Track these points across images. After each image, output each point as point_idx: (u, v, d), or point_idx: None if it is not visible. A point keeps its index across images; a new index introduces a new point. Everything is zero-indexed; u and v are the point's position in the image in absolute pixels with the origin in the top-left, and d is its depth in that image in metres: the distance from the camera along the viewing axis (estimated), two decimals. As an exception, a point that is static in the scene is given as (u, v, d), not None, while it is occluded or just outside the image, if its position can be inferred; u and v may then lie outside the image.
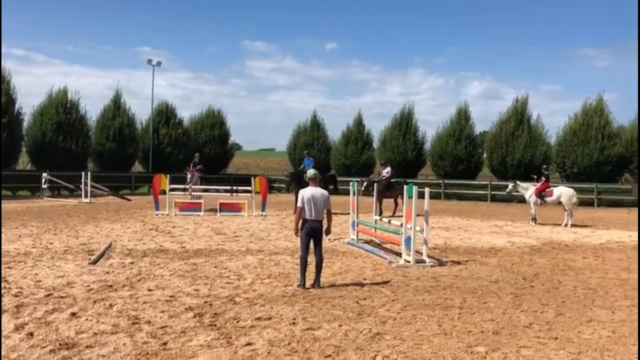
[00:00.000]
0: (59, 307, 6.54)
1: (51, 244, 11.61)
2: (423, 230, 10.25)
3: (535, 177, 20.87)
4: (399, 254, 10.62)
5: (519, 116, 34.77)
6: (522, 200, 22.80)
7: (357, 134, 39.66)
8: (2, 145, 28.03)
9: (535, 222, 18.63)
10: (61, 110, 31.51)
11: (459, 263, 10.54)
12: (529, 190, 19.39)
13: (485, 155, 37.21)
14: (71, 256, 10.14)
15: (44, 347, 5.08)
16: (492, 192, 32.37)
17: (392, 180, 21.47)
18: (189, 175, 21.92)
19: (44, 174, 26.15)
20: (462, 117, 36.90)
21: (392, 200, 21.01)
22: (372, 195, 15.30)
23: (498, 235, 15.31)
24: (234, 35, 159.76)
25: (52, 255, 10.20)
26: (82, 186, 24.87)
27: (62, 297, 7.05)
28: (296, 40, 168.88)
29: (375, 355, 5.13)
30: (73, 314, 6.21)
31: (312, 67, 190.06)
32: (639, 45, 70.23)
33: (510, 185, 20.57)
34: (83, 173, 25.40)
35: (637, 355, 5.33)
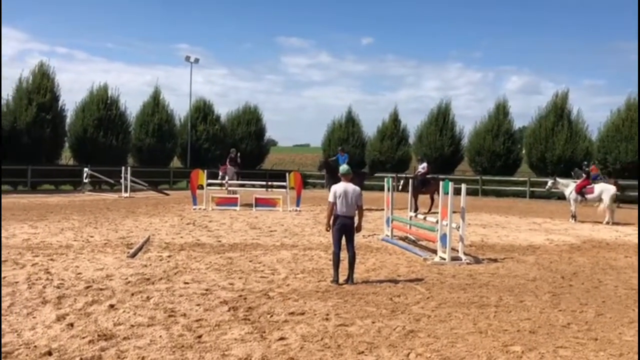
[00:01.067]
0: (98, 299, 6.71)
1: (92, 237, 11.91)
2: (459, 227, 10.12)
3: (573, 173, 20.37)
4: (434, 251, 10.52)
5: (558, 111, 34.00)
6: (561, 197, 22.29)
7: (393, 130, 39.42)
8: (41, 141, 28.85)
9: (575, 220, 18.19)
10: (102, 107, 32.28)
11: (495, 261, 10.37)
12: (569, 187, 18.94)
13: (524, 151, 36.50)
14: (110, 249, 10.39)
15: (84, 337, 5.21)
16: (531, 189, 31.78)
17: (428, 176, 21.26)
18: (220, 173, 22.14)
19: (86, 169, 26.85)
20: (501, 112, 36.31)
21: (427, 196, 20.81)
22: (408, 191, 15.19)
23: (536, 233, 15.00)
24: (269, 32, 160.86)
25: (92, 248, 10.46)
26: (122, 181, 25.43)
27: (101, 289, 7.23)
28: (331, 36, 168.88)
29: (409, 353, 5.09)
30: (111, 306, 6.36)
31: (347, 62, 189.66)
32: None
33: (550, 182, 20.15)
34: (123, 168, 25.96)
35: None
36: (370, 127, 55.52)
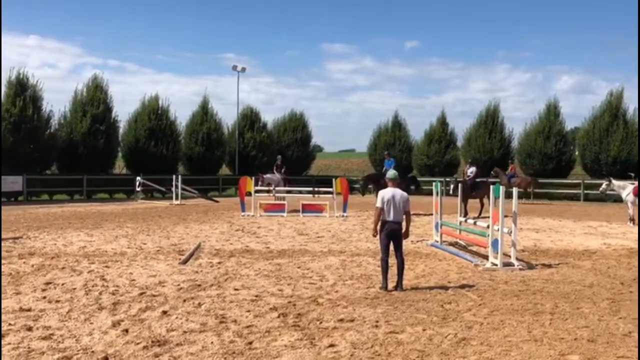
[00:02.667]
0: (152, 305, 6.86)
1: (144, 244, 12.22)
2: (511, 231, 9.87)
3: (632, 174, 19.62)
4: (486, 257, 10.30)
5: (613, 111, 32.81)
6: (618, 199, 21.47)
7: (441, 133, 38.94)
8: (96, 151, 29.82)
9: (633, 223, 17.46)
10: (153, 117, 33.17)
11: (549, 266, 10.06)
12: (626, 189, 18.22)
13: (577, 153, 35.39)
14: (163, 256, 10.62)
15: (138, 343, 5.34)
16: (585, 191, 30.76)
17: (478, 180, 20.87)
18: (259, 182, 22.32)
19: (138, 178, 27.62)
20: (552, 113, 35.35)
21: (477, 200, 20.42)
22: (457, 196, 14.95)
23: (592, 237, 14.48)
24: (313, 39, 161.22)
25: (145, 255, 10.73)
26: (173, 189, 26.03)
27: (154, 295, 7.39)
28: (375, 40, 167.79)
29: (461, 361, 4.99)
30: (164, 312, 6.50)
31: (391, 66, 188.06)
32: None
33: (604, 184, 19.43)
34: (174, 176, 26.59)
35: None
36: (416, 131, 55.10)
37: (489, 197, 11.47)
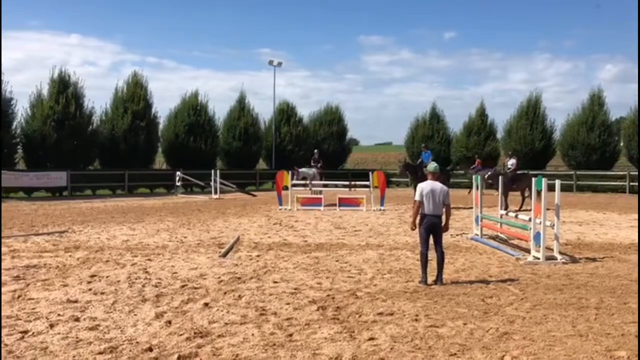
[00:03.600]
0: (193, 297, 6.98)
1: (185, 237, 12.43)
2: (554, 224, 9.66)
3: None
4: (527, 250, 10.11)
5: (661, 99, 31.62)
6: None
7: (480, 125, 38.29)
8: (137, 147, 30.42)
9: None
10: (192, 113, 33.65)
11: (594, 260, 9.81)
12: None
13: (622, 144, 34.30)
14: (203, 249, 10.79)
15: (181, 334, 5.44)
16: (631, 184, 29.79)
17: (519, 172, 20.46)
18: (295, 176, 22.39)
19: (178, 173, 28.09)
20: (595, 102, 34.35)
21: (518, 193, 20.03)
22: (496, 189, 14.70)
23: (639, 231, 14.03)
24: (349, 32, 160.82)
25: (186, 248, 10.91)
26: (212, 183, 26.39)
27: (195, 288, 7.52)
28: (412, 32, 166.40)
29: (503, 356, 4.91)
30: (206, 304, 6.60)
31: (429, 57, 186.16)
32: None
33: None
34: (212, 171, 26.93)
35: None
36: (455, 123, 54.38)
37: (530, 190, 11.28)
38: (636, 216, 17.67)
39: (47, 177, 26.40)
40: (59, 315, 6.09)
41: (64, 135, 27.53)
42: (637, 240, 12.16)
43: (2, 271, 8.46)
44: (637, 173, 30.17)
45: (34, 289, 7.34)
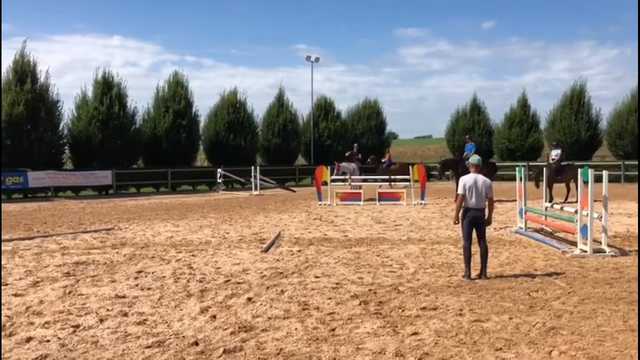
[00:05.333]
0: (237, 292, 7.07)
1: (227, 233, 12.60)
2: (601, 216, 9.38)
3: None
4: (574, 243, 9.85)
5: None
6: None
7: (522, 116, 37.50)
8: (179, 145, 30.95)
9: None
10: (231, 110, 34.06)
11: (645, 253, 9.49)
12: None
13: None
14: (245, 245, 10.92)
15: (226, 329, 5.52)
16: (684, 173, 28.63)
17: (563, 163, 19.95)
18: (335, 170, 22.37)
19: (219, 170, 28.49)
20: (645, 89, 33.12)
21: (563, 185, 19.54)
22: (540, 181, 14.37)
23: (693, 222, 13.49)
24: (386, 25, 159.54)
25: (228, 244, 11.06)
26: (252, 179, 26.66)
27: (239, 283, 7.62)
28: (450, 22, 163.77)
29: (551, 351, 4.81)
30: (249, 299, 6.68)
31: (467, 48, 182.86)
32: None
33: None
34: (252, 167, 27.21)
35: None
36: (496, 115, 53.39)
37: (576, 181, 10.96)
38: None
39: (93, 176, 27.20)
40: (108, 310, 6.27)
41: (108, 135, 28.29)
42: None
43: (54, 267, 8.77)
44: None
45: (84, 284, 7.57)
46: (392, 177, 24.47)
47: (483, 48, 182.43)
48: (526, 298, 6.58)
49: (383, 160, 28.18)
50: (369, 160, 27.83)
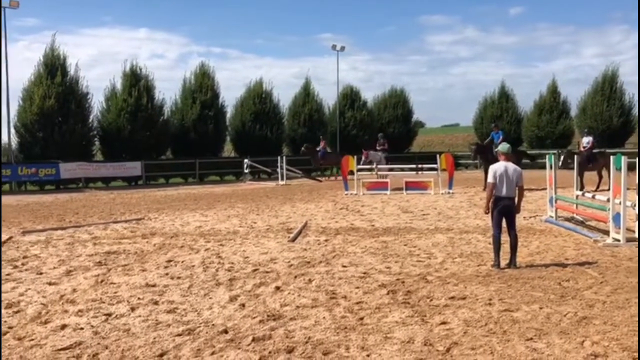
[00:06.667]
0: (265, 281, 7.13)
1: (255, 223, 12.68)
2: (635, 205, 9.17)
3: None
4: (606, 232, 9.66)
5: None
6: None
7: (552, 102, 36.76)
8: (206, 136, 31.19)
9: None
10: (257, 101, 34.11)
11: (681, 242, 9.24)
12: None
13: None
14: (272, 234, 10.98)
15: (254, 317, 5.58)
16: None
17: (595, 150, 19.52)
18: (362, 158, 22.25)
19: (246, 160, 28.63)
20: (680, 74, 32.16)
21: (594, 173, 19.14)
22: (571, 169, 14.10)
23: None
24: (411, 12, 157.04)
25: (256, 233, 11.14)
26: (278, 170, 26.75)
27: (267, 272, 7.67)
28: (477, 9, 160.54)
29: (583, 341, 4.73)
30: (277, 288, 6.73)
31: (495, 35, 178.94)
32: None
33: None
34: (279, 157, 27.28)
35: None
36: (525, 102, 52.52)
37: (607, 169, 10.70)
38: None
39: (123, 167, 27.61)
40: (139, 298, 6.38)
41: (137, 127, 28.62)
42: None
43: (86, 257, 8.95)
44: None
45: (115, 274, 7.72)
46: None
47: (511, 34, 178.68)
48: (557, 287, 6.49)
49: (318, 149, 27.92)
50: (302, 149, 27.64)
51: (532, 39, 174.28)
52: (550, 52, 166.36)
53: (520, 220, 10.64)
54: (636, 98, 35.10)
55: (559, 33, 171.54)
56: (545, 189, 13.05)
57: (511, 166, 7.63)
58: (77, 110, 27.28)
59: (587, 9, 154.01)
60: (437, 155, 20.98)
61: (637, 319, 5.26)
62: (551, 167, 12.17)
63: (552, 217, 11.88)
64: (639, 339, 4.74)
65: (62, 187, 25.87)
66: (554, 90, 37.28)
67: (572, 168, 13.94)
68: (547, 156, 12.70)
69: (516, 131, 37.50)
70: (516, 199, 7.67)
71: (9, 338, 5.11)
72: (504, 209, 7.57)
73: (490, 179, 7.64)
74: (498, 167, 7.61)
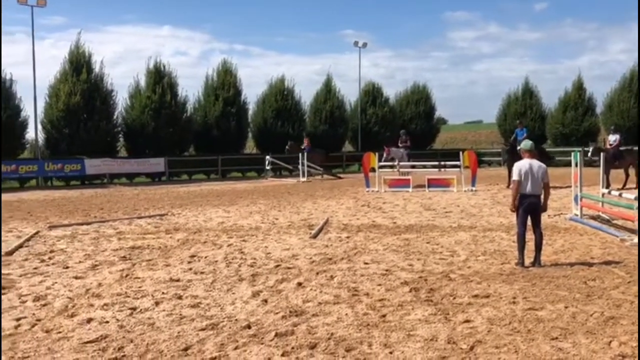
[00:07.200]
0: (287, 277, 7.15)
1: (277, 219, 12.73)
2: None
3: None
4: (633, 231, 9.48)
5: None
6: None
7: (577, 99, 36.20)
8: (228, 133, 31.39)
9: None
10: (279, 98, 34.19)
11: None
12: None
13: None
14: (294, 230, 11.01)
15: (277, 313, 5.60)
16: None
17: (622, 148, 19.17)
18: (384, 155, 22.14)
19: (267, 157, 28.74)
20: None
21: (621, 171, 18.80)
22: (597, 166, 13.87)
23: None
24: (434, 8, 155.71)
25: (278, 229, 11.18)
26: (299, 166, 26.80)
27: (289, 268, 7.70)
28: (500, 5, 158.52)
29: (610, 341, 4.66)
30: (299, 284, 6.75)
31: (519, 31, 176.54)
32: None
33: None
34: (299, 154, 27.32)
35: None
36: (549, 99, 51.71)
37: (635, 167, 10.52)
38: None
39: (146, 163, 27.93)
40: (163, 293, 6.45)
41: (160, 124, 28.89)
42: None
43: (111, 251, 9.08)
44: None
45: (139, 268, 7.81)
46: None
47: (535, 30, 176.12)
48: (583, 287, 6.40)
49: (302, 147, 27.62)
50: (287, 147, 27.25)
51: (557, 35, 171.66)
52: (575, 48, 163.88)
53: (544, 218, 10.50)
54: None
55: (585, 29, 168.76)
56: (569, 186, 12.85)
57: (536, 163, 7.54)
58: (102, 107, 27.65)
59: (612, 4, 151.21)
60: (460, 152, 20.80)
61: (665, 319, 5.16)
62: (576, 165, 11.99)
63: (577, 215, 11.71)
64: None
65: (87, 183, 26.26)
66: (579, 87, 36.71)
67: (598, 165, 13.71)
68: (572, 153, 12.50)
69: (540, 128, 37.03)
70: (542, 197, 7.58)
71: (37, 330, 5.22)
72: (529, 207, 7.49)
73: (515, 177, 7.56)
74: (523, 165, 7.53)
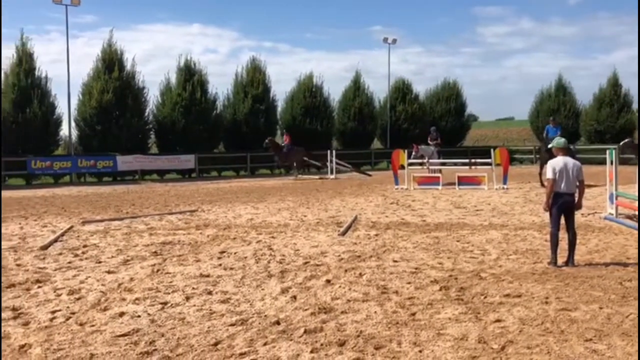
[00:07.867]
0: (316, 274, 7.16)
1: (305, 216, 12.75)
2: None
3: None
4: (671, 231, 9.23)
5: None
6: None
7: (612, 96, 35.40)
8: (257, 130, 31.58)
9: None
10: (308, 95, 34.22)
11: None
12: None
13: None
14: (322, 228, 11.01)
15: (306, 309, 5.61)
16: None
17: (658, 145, 18.63)
18: (413, 152, 21.97)
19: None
20: None
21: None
22: (633, 165, 13.53)
23: None
24: (464, 3, 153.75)
25: (306, 227, 11.20)
26: (328, 163, 26.79)
27: (317, 265, 7.70)
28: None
29: (647, 344, 4.54)
30: (328, 281, 6.74)
31: (552, 25, 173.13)
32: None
33: None
34: (328, 151, 27.32)
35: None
36: (583, 95, 50.71)
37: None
38: None
39: (177, 160, 28.30)
40: (193, 288, 6.52)
41: (191, 121, 29.23)
42: None
43: (143, 247, 9.22)
44: None
45: (170, 263, 7.91)
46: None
47: (568, 25, 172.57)
48: (618, 287, 6.25)
49: (283, 145, 27.07)
50: (265, 143, 26.49)
51: (592, 29, 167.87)
52: (610, 42, 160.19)
53: (578, 217, 10.30)
54: None
55: (621, 23, 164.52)
56: (604, 185, 12.56)
57: (570, 161, 7.39)
58: (134, 104, 28.10)
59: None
60: (491, 150, 20.53)
61: None
62: (611, 163, 11.71)
63: (612, 214, 11.44)
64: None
65: (119, 179, 26.74)
66: (614, 83, 35.88)
67: (629, 162, 13.36)
68: (607, 151, 12.22)
69: (574, 125, 36.32)
70: (576, 195, 7.42)
71: (71, 323, 5.32)
72: (563, 205, 7.34)
73: (549, 175, 7.42)
74: (557, 163, 7.38)
